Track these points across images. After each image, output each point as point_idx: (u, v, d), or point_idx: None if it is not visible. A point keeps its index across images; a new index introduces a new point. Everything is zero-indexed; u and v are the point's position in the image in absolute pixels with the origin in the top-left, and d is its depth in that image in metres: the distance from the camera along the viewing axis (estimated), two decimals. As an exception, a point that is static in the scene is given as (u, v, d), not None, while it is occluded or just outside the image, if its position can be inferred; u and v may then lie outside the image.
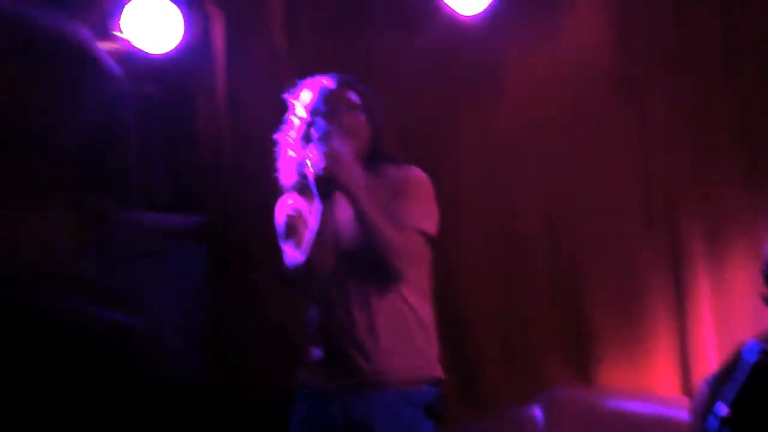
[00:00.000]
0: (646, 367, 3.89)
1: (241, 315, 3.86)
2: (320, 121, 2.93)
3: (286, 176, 3.03)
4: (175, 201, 3.80)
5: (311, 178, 2.82)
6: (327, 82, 3.01)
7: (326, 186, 2.80)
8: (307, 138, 2.95)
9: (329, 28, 4.09)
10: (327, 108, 2.94)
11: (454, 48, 4.01)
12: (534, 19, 4.01)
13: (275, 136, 3.07)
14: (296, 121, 3.00)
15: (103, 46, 3.01)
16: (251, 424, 3.81)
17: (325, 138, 2.84)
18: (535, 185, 4.02)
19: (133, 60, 3.40)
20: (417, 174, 3.02)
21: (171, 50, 3.49)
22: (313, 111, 2.96)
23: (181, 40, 3.54)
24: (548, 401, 3.85)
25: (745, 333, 3.58)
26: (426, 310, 2.98)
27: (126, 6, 3.37)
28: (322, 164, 2.78)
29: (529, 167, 4.01)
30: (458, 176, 4.01)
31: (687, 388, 3.81)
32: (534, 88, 4.01)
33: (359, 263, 2.88)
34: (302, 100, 3.01)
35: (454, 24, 3.90)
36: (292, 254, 2.91)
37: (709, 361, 3.78)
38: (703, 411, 2.13)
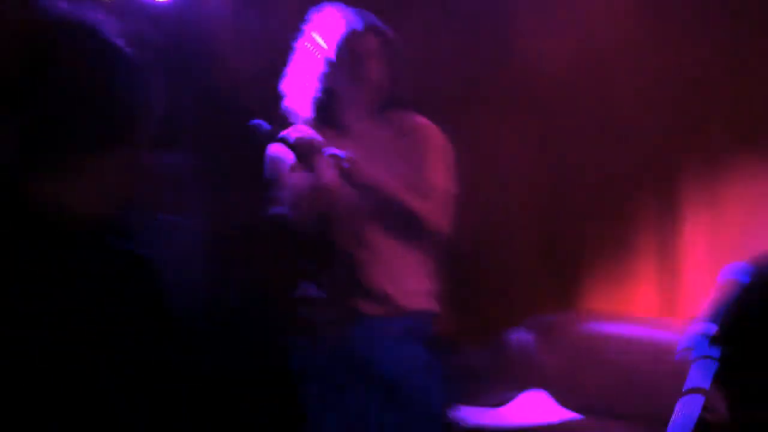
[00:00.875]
0: (631, 290, 4.04)
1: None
2: (341, 66, 2.89)
3: (297, 104, 2.99)
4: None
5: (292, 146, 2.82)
6: (352, 21, 2.93)
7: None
8: (325, 77, 2.92)
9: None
10: (347, 53, 2.90)
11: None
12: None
13: (290, 60, 2.99)
14: (312, 53, 2.94)
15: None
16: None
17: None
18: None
19: (138, 10, 3.38)
20: (428, 127, 2.98)
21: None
22: (336, 53, 2.90)
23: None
24: (536, 326, 3.99)
25: (733, 255, 3.72)
26: (430, 247, 3.01)
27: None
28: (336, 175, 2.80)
29: (533, 125, 4.11)
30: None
31: (671, 310, 3.96)
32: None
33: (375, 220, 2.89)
34: (324, 35, 2.94)
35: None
36: (274, 204, 2.94)
37: (694, 283, 3.92)
38: (696, 333, 2.21)
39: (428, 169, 2.92)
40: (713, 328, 2.05)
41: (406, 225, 2.90)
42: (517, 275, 4.15)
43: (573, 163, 4.10)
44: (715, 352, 2.03)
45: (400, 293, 2.92)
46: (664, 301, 3.97)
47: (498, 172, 4.17)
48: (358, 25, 2.93)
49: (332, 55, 2.92)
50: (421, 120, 2.99)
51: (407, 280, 2.95)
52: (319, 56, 2.94)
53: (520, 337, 4.01)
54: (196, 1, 3.84)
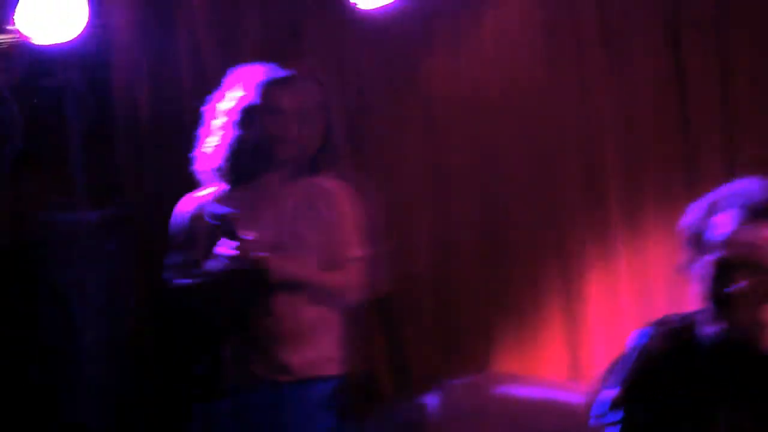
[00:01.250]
0: (536, 353, 4.01)
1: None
2: (258, 119, 2.85)
3: (208, 161, 2.95)
4: (95, 191, 3.71)
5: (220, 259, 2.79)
6: (274, 74, 2.90)
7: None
8: (241, 126, 2.87)
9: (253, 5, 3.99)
10: (265, 105, 2.86)
11: (378, 43, 3.99)
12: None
13: (201, 120, 2.97)
14: (230, 105, 2.91)
15: (5, 39, 2.95)
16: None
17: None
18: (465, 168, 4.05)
19: (41, 51, 3.31)
20: (343, 193, 2.95)
21: (80, 36, 3.38)
22: (252, 104, 2.88)
23: (92, 24, 3.43)
24: (442, 389, 3.94)
25: (632, 320, 3.75)
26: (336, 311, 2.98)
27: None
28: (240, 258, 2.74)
29: (463, 147, 4.03)
30: (395, 162, 4.01)
31: (576, 373, 3.96)
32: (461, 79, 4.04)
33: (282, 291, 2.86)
34: (243, 86, 2.91)
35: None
36: (174, 267, 2.88)
37: (595, 347, 3.93)
38: (600, 398, 2.23)
39: (341, 239, 2.88)
40: (614, 393, 2.07)
41: (320, 299, 2.86)
42: (419, 338, 4.09)
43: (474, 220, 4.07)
44: (617, 416, 2.05)
45: (308, 361, 2.88)
46: (572, 364, 3.96)
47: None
48: (277, 75, 2.89)
49: (250, 105, 2.87)
50: (332, 184, 2.94)
51: (316, 348, 2.91)
52: (239, 107, 2.89)
53: (426, 402, 3.95)
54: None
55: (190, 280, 2.85)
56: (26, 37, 3.27)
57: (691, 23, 3.93)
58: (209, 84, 3.24)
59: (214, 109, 2.97)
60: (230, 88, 2.95)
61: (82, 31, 3.37)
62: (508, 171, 4.02)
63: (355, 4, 3.63)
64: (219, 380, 2.90)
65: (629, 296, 3.93)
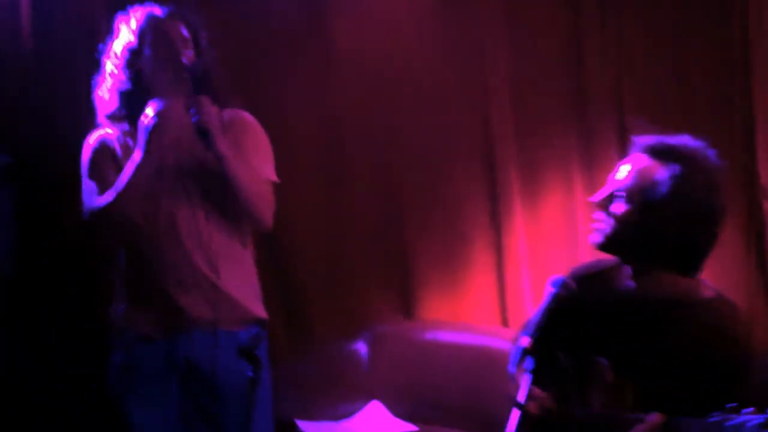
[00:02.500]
0: (465, 300, 4.03)
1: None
2: (147, 52, 2.88)
3: (105, 105, 2.96)
4: None
5: (143, 127, 2.81)
6: (156, 10, 2.93)
7: (154, 137, 2.79)
8: (131, 66, 2.90)
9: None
10: (153, 37, 2.89)
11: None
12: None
13: (98, 61, 2.98)
14: (119, 48, 2.94)
15: None
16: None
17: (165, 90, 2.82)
18: (363, 124, 4.05)
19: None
20: (250, 119, 3.01)
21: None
22: (139, 39, 2.90)
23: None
24: (371, 336, 3.95)
25: (558, 265, 3.77)
26: (253, 253, 3.02)
27: None
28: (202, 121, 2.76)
29: (360, 108, 4.03)
30: (288, 115, 3.98)
31: (504, 319, 3.99)
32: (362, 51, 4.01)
33: (204, 204, 2.87)
34: (129, 27, 2.94)
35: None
36: (93, 195, 2.86)
37: (524, 293, 3.95)
38: (515, 347, 2.24)
39: (253, 158, 2.91)
40: (526, 341, 2.08)
41: (233, 210, 2.87)
42: (349, 282, 4.08)
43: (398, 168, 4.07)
44: (530, 363, 2.06)
45: (240, 299, 2.89)
46: (498, 310, 3.99)
47: (333, 179, 4.10)
48: (161, 12, 2.92)
49: (137, 42, 2.89)
50: (242, 113, 3.00)
51: (247, 286, 2.93)
52: (125, 48, 2.91)
53: (353, 347, 3.96)
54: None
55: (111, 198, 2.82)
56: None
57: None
58: (98, 29, 3.28)
59: (106, 53, 2.98)
60: (118, 31, 2.97)
61: None
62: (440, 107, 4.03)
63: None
64: (138, 324, 2.88)
65: (558, 239, 3.95)
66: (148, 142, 2.81)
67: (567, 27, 3.94)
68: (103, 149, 2.92)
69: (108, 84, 2.95)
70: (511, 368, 2.29)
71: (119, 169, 2.86)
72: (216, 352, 2.85)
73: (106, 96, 2.95)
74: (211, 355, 2.85)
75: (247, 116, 3.02)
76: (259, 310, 2.97)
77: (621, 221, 2.21)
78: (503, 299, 3.98)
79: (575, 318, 2.15)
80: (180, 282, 2.85)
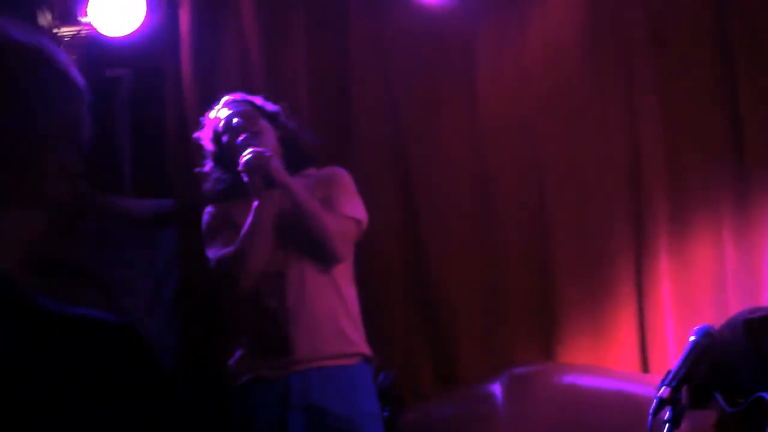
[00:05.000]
0: (607, 345, 3.96)
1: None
2: (225, 139, 3.10)
3: (210, 184, 3.16)
4: (143, 184, 3.82)
5: (245, 175, 2.95)
6: (230, 109, 3.12)
7: (260, 180, 2.93)
8: (221, 157, 3.11)
9: (300, 10, 4.07)
10: (229, 130, 3.08)
11: (426, 40, 4.00)
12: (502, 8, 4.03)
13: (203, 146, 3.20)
14: (209, 132, 3.16)
15: (69, 31, 3.03)
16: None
17: (249, 141, 3.00)
18: (512, 174, 4.05)
19: (99, 44, 3.41)
20: (339, 170, 3.18)
21: (137, 34, 3.50)
22: (224, 128, 3.10)
23: (148, 24, 3.56)
24: (508, 378, 3.92)
25: (704, 313, 3.67)
26: (352, 293, 3.12)
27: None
28: (252, 161, 2.92)
29: (507, 156, 4.03)
30: (435, 163, 4.03)
31: (645, 366, 3.89)
32: (508, 80, 4.02)
33: (298, 250, 3.00)
34: (213, 122, 3.15)
35: (426, 15, 3.89)
36: (219, 250, 3.01)
37: (667, 339, 3.85)
38: (656, 396, 2.21)
39: (337, 197, 3.07)
40: (666, 391, 2.04)
41: (317, 246, 2.98)
42: (495, 324, 4.06)
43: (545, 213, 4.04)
44: (669, 414, 2.01)
45: (329, 338, 2.98)
46: (639, 356, 3.90)
47: (481, 224, 4.09)
48: (235, 110, 3.12)
49: (226, 139, 3.09)
50: (334, 167, 3.21)
51: (334, 325, 3.01)
52: (212, 137, 3.14)
53: (490, 388, 3.93)
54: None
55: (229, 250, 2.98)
56: (94, 28, 3.36)
57: (742, 33, 3.82)
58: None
59: (205, 131, 3.20)
60: (211, 116, 3.20)
61: (138, 28, 3.48)
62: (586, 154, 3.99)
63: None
64: (252, 370, 2.99)
65: (705, 287, 3.84)
66: (253, 185, 2.95)
67: (718, 65, 3.85)
68: (218, 216, 3.09)
69: (208, 160, 3.17)
70: (650, 418, 2.25)
71: (237, 230, 3.00)
72: (331, 389, 2.94)
73: (207, 176, 3.17)
74: (328, 393, 2.94)
75: (337, 168, 3.20)
76: (365, 347, 3.07)
77: None
78: (644, 346, 3.89)
79: (718, 366, 2.10)
80: (288, 321, 2.95)
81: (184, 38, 3.93)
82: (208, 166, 3.15)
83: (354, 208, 3.10)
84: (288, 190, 2.95)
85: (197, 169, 3.20)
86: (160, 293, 3.46)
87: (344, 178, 3.16)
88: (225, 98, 3.19)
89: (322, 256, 3.00)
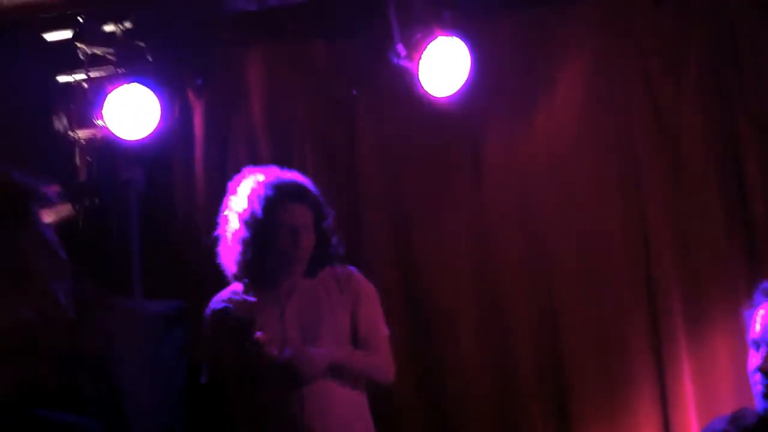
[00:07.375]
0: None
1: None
2: (267, 235, 3.02)
3: (228, 268, 3.13)
4: (154, 285, 3.83)
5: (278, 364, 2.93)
6: (266, 187, 3.04)
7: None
8: (252, 233, 3.03)
9: (306, 104, 4.13)
10: (275, 226, 3.03)
11: (434, 127, 4.05)
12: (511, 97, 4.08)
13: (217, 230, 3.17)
14: (234, 217, 3.09)
15: (84, 134, 3.08)
16: None
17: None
18: (523, 249, 4.04)
19: (114, 146, 3.48)
20: (363, 278, 3.17)
21: (151, 137, 3.57)
22: (264, 213, 3.04)
23: (162, 128, 3.63)
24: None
25: (725, 402, 3.61)
26: (365, 393, 3.14)
27: (108, 95, 3.45)
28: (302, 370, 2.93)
29: (514, 249, 4.03)
30: (439, 255, 4.03)
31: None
32: (513, 172, 4.05)
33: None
34: (241, 198, 3.08)
35: (434, 106, 3.94)
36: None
37: (689, 427, 3.79)
38: None
39: (377, 320, 3.09)
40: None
41: (362, 379, 3.06)
42: (512, 404, 4.01)
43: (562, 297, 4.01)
44: None
45: None
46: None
47: (493, 303, 4.07)
48: (288, 197, 3.05)
49: (261, 213, 3.02)
50: (352, 271, 3.16)
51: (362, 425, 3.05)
52: (244, 222, 3.05)
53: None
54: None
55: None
56: (109, 132, 3.43)
57: (750, 121, 3.85)
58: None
59: (227, 213, 3.16)
60: (239, 193, 3.13)
61: (150, 132, 3.55)
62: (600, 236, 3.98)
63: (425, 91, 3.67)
64: None
65: (724, 371, 3.79)
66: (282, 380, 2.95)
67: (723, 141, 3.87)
68: (228, 310, 3.08)
69: (230, 245, 3.10)
70: None
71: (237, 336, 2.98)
72: None
73: (228, 257, 3.12)
74: None
75: (357, 274, 3.17)
76: None
77: None
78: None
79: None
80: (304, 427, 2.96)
81: (198, 140, 4.02)
82: (238, 246, 3.06)
83: (385, 324, 3.15)
84: (343, 368, 2.98)
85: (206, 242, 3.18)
86: (168, 390, 3.46)
87: (373, 294, 3.16)
88: (274, 172, 3.11)
89: (382, 385, 3.13)
